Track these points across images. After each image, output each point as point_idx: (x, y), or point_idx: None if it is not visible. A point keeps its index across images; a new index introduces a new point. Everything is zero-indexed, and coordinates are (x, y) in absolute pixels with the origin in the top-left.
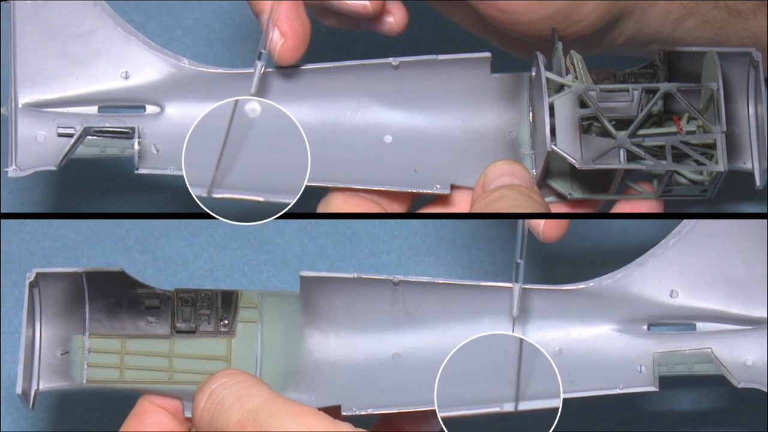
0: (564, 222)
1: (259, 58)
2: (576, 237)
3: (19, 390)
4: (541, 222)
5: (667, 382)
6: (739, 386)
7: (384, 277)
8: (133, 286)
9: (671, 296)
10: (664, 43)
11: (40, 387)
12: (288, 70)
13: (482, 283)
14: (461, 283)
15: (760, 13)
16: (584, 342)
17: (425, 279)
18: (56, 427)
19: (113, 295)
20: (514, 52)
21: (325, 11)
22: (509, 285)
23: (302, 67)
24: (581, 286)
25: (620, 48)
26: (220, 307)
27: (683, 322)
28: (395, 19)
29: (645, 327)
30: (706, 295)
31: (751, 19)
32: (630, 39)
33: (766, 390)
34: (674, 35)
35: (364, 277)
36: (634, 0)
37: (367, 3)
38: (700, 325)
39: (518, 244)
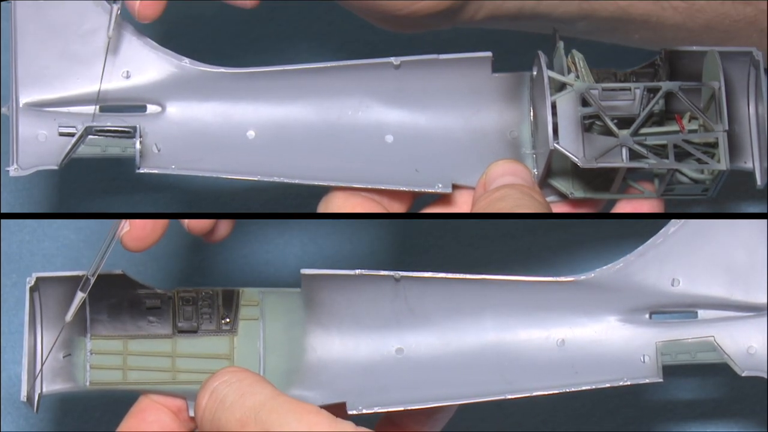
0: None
1: (115, 1)
2: (577, 236)
3: (23, 396)
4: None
5: (669, 372)
6: (743, 374)
7: (385, 273)
8: (134, 287)
9: (672, 285)
10: (530, 18)
11: (44, 390)
12: (290, 71)
13: (484, 277)
14: (463, 277)
15: None
16: (587, 333)
17: (427, 274)
18: (56, 427)
19: (114, 296)
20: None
21: None
22: (510, 278)
23: (303, 67)
24: (582, 277)
25: (483, 22)
26: (221, 305)
27: (685, 310)
28: None
29: (647, 316)
30: (707, 283)
31: None
32: (492, 13)
33: (766, 377)
34: (539, 10)
35: (365, 273)
36: None
37: None
38: (702, 312)
39: None
